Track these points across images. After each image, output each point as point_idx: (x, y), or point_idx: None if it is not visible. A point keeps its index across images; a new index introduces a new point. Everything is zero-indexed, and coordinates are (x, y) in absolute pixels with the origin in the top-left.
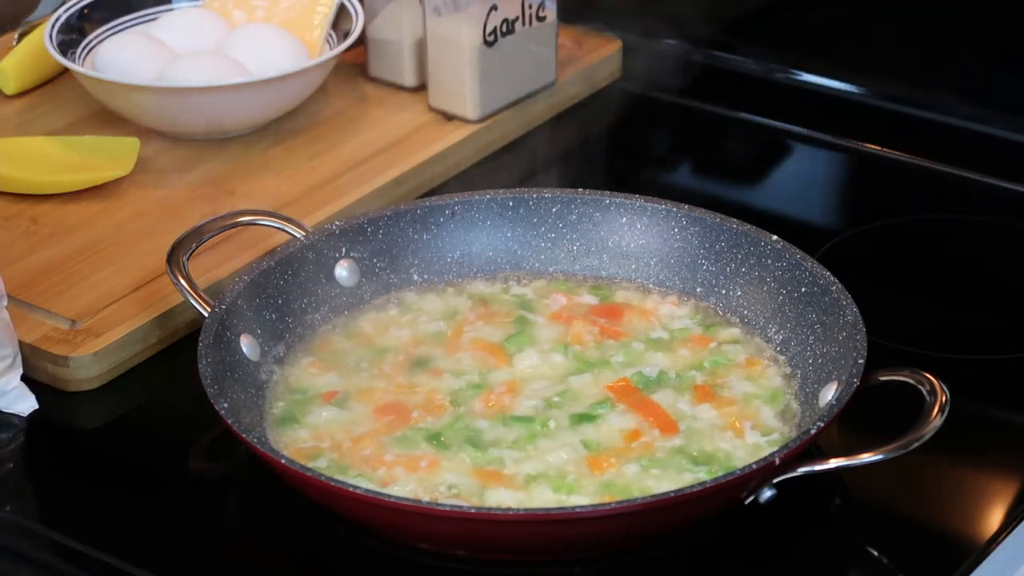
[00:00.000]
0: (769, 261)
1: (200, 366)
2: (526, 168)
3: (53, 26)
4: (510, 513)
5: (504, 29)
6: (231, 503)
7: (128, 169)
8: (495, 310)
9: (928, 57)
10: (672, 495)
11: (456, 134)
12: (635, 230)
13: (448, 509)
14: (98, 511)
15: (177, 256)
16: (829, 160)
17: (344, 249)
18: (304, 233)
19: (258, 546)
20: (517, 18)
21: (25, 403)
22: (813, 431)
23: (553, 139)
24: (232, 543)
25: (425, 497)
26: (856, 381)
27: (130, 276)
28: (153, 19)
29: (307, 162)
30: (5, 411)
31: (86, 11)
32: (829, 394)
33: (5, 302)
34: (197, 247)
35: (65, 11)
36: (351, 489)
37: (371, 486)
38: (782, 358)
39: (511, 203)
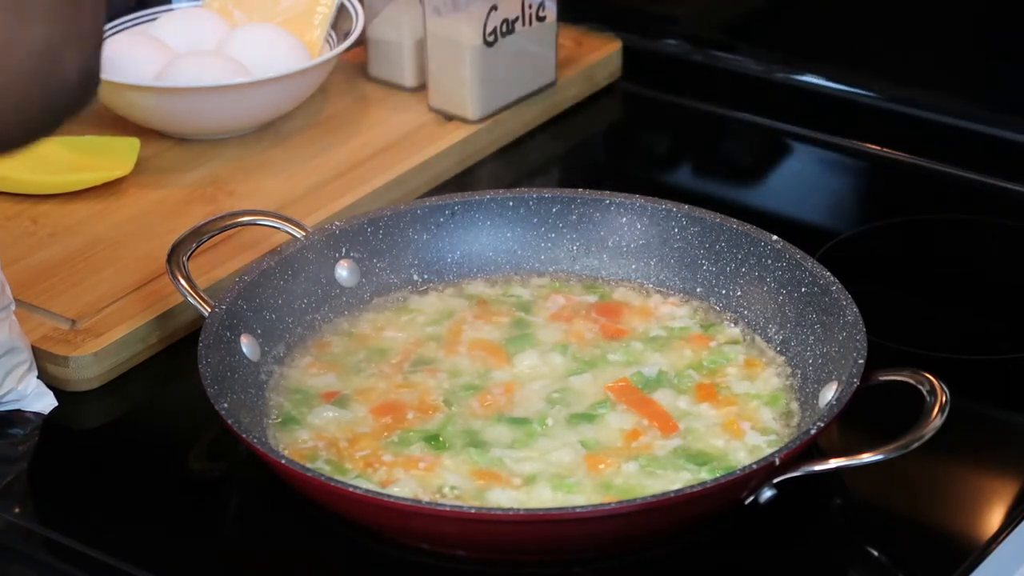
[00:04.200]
0: (769, 261)
1: (200, 366)
2: (526, 168)
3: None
4: (510, 513)
5: (504, 29)
6: (231, 503)
7: (128, 169)
8: (495, 310)
9: (928, 57)
10: (672, 495)
11: (456, 134)
12: (635, 230)
13: (448, 509)
14: (98, 511)
15: (177, 256)
16: (829, 160)
17: (344, 249)
18: (304, 233)
19: (258, 546)
20: (517, 18)
21: (44, 401)
22: (813, 431)
23: (553, 139)
24: (232, 543)
25: (425, 497)
26: (856, 381)
27: (130, 276)
28: (153, 19)
29: (307, 162)
30: (25, 410)
31: None
32: (829, 394)
33: (14, 307)
34: (197, 247)
35: None
36: (351, 489)
37: (371, 486)
38: (782, 358)
39: (511, 203)
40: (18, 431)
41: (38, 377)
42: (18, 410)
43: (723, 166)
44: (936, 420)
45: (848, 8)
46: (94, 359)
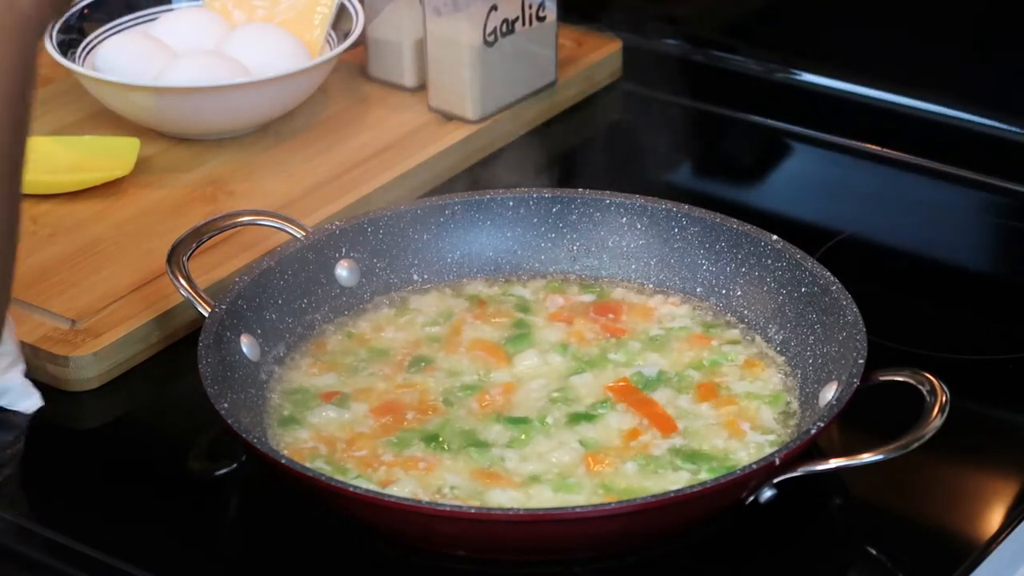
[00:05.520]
0: (769, 261)
1: (200, 366)
2: (526, 168)
3: (53, 26)
4: (510, 513)
5: (504, 29)
6: (231, 503)
7: (128, 169)
8: (495, 310)
9: (928, 57)
10: (672, 495)
11: (456, 134)
12: (635, 230)
13: (448, 509)
14: (98, 511)
15: (177, 256)
16: (829, 160)
17: (344, 249)
18: (304, 233)
19: (258, 546)
20: (517, 18)
21: (29, 400)
22: (813, 431)
23: (553, 139)
24: (232, 543)
25: (425, 497)
26: (856, 381)
27: (130, 276)
28: (153, 19)
29: (307, 162)
30: (8, 408)
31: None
32: (829, 394)
33: None
34: (197, 247)
35: None
36: (351, 489)
37: (371, 486)
38: (782, 358)
39: (511, 203)
40: (16, 431)
41: (37, 378)
42: (17, 410)
43: (723, 166)
44: (936, 420)
45: (848, 8)
46: (94, 359)
